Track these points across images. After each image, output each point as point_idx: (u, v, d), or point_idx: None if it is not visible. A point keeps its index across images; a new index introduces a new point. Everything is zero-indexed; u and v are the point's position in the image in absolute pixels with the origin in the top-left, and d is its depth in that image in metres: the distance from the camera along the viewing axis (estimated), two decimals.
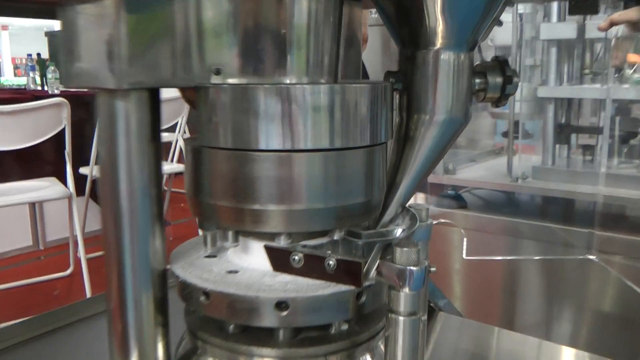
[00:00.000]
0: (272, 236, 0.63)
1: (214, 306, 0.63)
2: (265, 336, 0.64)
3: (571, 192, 1.67)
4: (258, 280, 0.63)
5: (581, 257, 1.58)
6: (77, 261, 3.38)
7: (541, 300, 1.76)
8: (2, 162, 3.38)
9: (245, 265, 0.67)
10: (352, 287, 0.61)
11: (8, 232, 3.82)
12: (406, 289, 0.59)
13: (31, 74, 5.16)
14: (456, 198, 1.90)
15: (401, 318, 0.59)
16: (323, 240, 0.66)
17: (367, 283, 0.61)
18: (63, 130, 3.01)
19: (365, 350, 0.68)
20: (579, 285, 1.67)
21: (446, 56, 0.70)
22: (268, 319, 0.61)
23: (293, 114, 0.59)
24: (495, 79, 0.73)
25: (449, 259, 1.89)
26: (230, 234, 0.66)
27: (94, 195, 3.71)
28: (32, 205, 3.88)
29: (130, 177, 0.63)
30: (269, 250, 0.64)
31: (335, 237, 0.65)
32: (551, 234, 1.66)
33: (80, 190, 3.34)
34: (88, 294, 3.00)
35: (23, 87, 4.79)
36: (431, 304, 0.98)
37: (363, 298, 0.63)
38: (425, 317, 0.67)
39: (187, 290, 0.66)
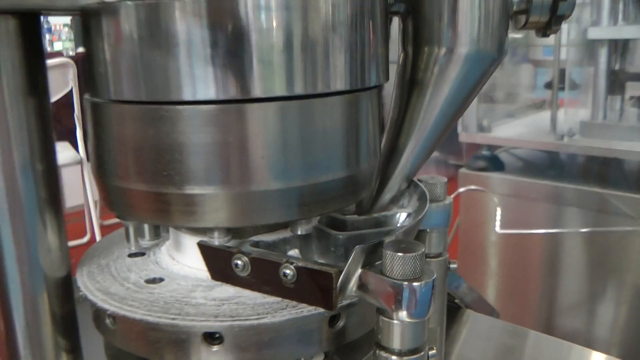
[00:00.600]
0: (207, 230, 0.43)
1: (122, 335, 0.43)
2: None
3: (626, 151, 1.42)
4: (185, 295, 0.42)
5: (635, 228, 1.35)
6: (93, 228, 3.26)
7: (586, 280, 1.53)
8: None
9: (175, 270, 0.46)
10: (321, 310, 0.40)
11: None
12: (403, 314, 0.38)
13: (47, 36, 5.01)
14: (492, 159, 1.66)
15: (396, 359, 0.38)
16: (285, 234, 0.45)
17: (344, 302, 0.40)
18: (71, 93, 2.84)
19: None
20: (633, 262, 1.43)
21: None
22: (196, 357, 0.40)
23: (230, 41, 0.37)
24: None
25: (479, 233, 1.66)
26: (146, 227, 0.46)
27: None
28: None
29: (2, 146, 0.43)
30: (205, 251, 0.43)
31: (301, 232, 0.44)
32: (601, 202, 1.42)
33: None
34: None
35: None
36: (455, 300, 0.77)
37: (341, 322, 0.42)
38: (434, 352, 0.45)
39: (93, 309, 0.46)
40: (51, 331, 0.47)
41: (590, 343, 1.53)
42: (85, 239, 3.41)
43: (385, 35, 0.45)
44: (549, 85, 1.82)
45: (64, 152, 2.92)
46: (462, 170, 1.68)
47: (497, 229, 1.37)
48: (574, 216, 1.50)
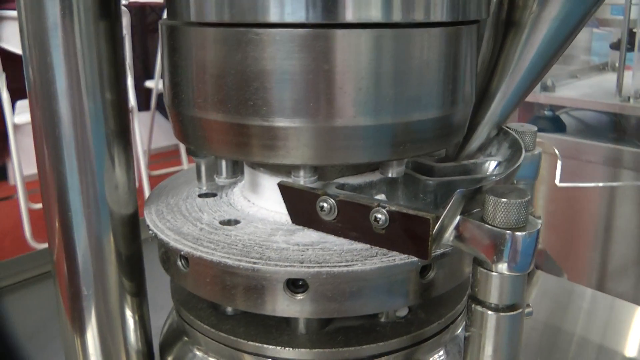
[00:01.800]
0: (291, 169, 0.40)
1: (195, 279, 0.40)
2: (279, 324, 0.42)
3: None
4: (264, 239, 0.40)
5: None
6: (141, 178, 3.29)
7: (638, 232, 1.48)
8: None
9: (252, 212, 0.44)
10: (414, 259, 0.37)
11: None
12: (504, 267, 0.34)
13: None
14: (553, 120, 1.60)
15: (492, 314, 0.35)
16: (372, 177, 0.42)
17: (439, 251, 0.37)
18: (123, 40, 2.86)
19: (435, 347, 0.44)
20: None
21: None
22: (277, 305, 0.38)
23: None
24: None
25: (538, 185, 1.61)
26: (223, 164, 0.43)
27: (161, 109, 3.58)
28: None
29: (69, 72, 0.40)
30: (286, 192, 0.40)
31: (391, 174, 0.41)
32: None
33: (143, 105, 3.21)
34: None
35: None
36: None
37: (431, 274, 0.39)
38: (531, 309, 0.42)
39: (162, 250, 0.44)
40: (116, 272, 0.45)
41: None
42: None
43: None
44: (615, 46, 1.73)
45: None
46: None
47: (557, 182, 1.32)
48: (632, 179, 1.44)
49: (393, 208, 0.36)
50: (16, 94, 2.77)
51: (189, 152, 0.46)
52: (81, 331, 0.46)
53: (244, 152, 0.38)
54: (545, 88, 1.57)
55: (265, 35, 0.35)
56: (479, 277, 0.36)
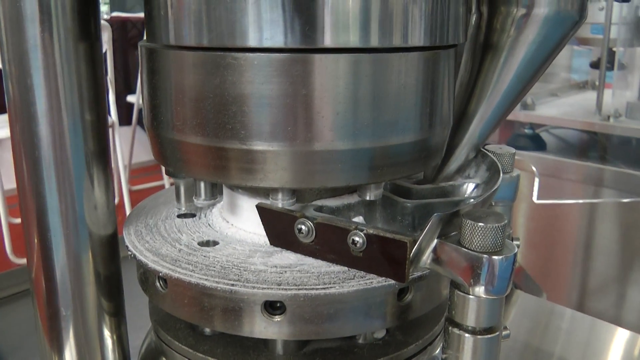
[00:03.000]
0: (270, 191, 0.40)
1: (173, 299, 0.40)
2: (257, 345, 0.42)
3: None
4: (242, 260, 0.40)
5: None
6: (122, 193, 3.27)
7: (618, 255, 1.50)
8: None
9: (230, 233, 0.44)
10: (391, 282, 0.37)
11: None
12: (481, 290, 0.35)
13: None
14: (533, 138, 1.61)
15: (470, 337, 0.36)
16: (350, 199, 0.42)
17: (416, 274, 0.37)
18: (105, 56, 2.84)
19: None
20: None
21: None
22: (254, 327, 0.38)
23: None
24: None
25: (518, 203, 1.63)
26: (202, 185, 0.43)
27: (142, 124, 3.57)
28: None
29: (49, 94, 0.40)
30: (264, 213, 0.40)
31: (370, 197, 0.41)
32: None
33: (124, 120, 3.19)
34: None
35: None
36: None
37: (409, 296, 0.39)
38: (508, 332, 0.42)
39: (141, 271, 0.43)
40: (94, 292, 0.45)
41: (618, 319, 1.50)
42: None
43: None
44: (595, 65, 1.76)
45: None
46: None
47: (535, 199, 1.33)
48: (612, 197, 1.45)
49: (370, 231, 0.36)
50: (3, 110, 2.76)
51: (167, 173, 0.46)
52: (59, 350, 0.46)
53: (222, 174, 0.38)
54: (525, 106, 1.59)
55: (243, 59, 0.35)
56: (456, 300, 0.36)
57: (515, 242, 0.54)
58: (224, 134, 0.36)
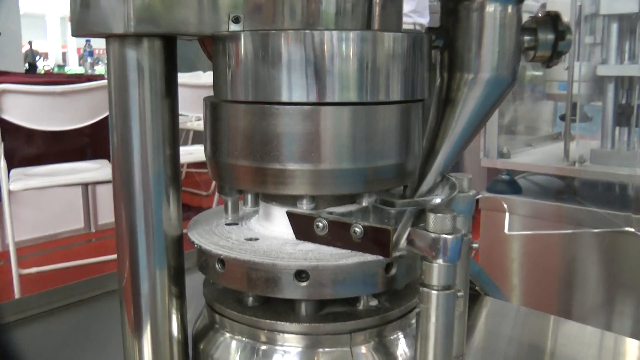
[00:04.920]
0: (295, 200, 0.58)
1: (229, 275, 0.58)
2: (286, 310, 0.59)
3: (632, 175, 1.56)
4: (278, 248, 0.57)
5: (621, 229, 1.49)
6: None
7: (600, 284, 1.67)
8: (55, 143, 3.43)
9: (266, 234, 0.62)
10: (380, 258, 0.55)
11: (61, 214, 3.88)
12: (440, 260, 0.52)
13: (89, 60, 5.22)
14: (510, 183, 1.81)
15: (434, 292, 0.53)
16: (351, 207, 0.60)
17: (397, 253, 0.55)
18: None
19: (397, 328, 0.62)
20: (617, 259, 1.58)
21: (492, 8, 0.63)
22: (287, 290, 0.55)
23: (318, 62, 0.53)
24: (546, 36, 0.65)
25: (499, 249, 1.81)
26: (250, 196, 0.61)
27: None
28: (85, 187, 3.94)
29: (142, 133, 0.58)
30: (292, 217, 0.58)
31: (365, 204, 0.59)
32: (607, 220, 1.56)
33: None
34: None
35: (82, 74, 4.89)
36: (476, 288, 0.91)
37: (393, 270, 0.57)
38: (462, 293, 0.60)
39: (204, 259, 0.61)
40: (166, 279, 0.62)
41: None
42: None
43: (429, 63, 0.61)
44: (563, 117, 1.97)
45: (105, 168, 3.07)
46: (483, 192, 1.82)
47: (506, 230, 1.52)
48: (586, 235, 1.63)
49: (366, 224, 0.54)
50: (12, 162, 2.93)
51: (219, 191, 0.64)
52: (139, 330, 0.62)
53: (265, 187, 0.56)
54: (501, 155, 1.79)
55: (279, 109, 0.54)
56: (424, 268, 0.53)
57: (474, 245, 0.72)
58: (267, 159, 0.54)
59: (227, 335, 0.61)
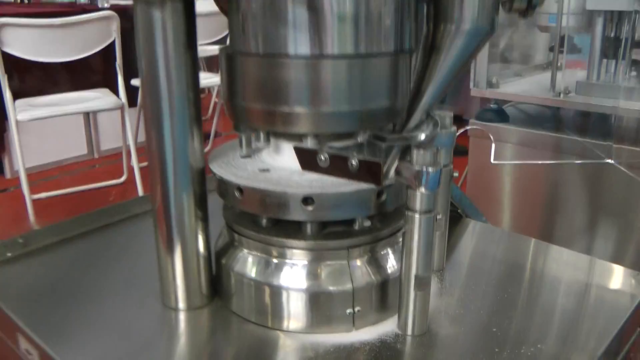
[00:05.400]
0: (301, 137, 0.68)
1: (247, 201, 0.69)
2: (294, 230, 0.70)
3: (614, 107, 1.65)
4: (287, 177, 0.68)
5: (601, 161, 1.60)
6: (130, 169, 3.50)
7: (581, 211, 1.79)
8: (54, 74, 3.48)
9: (276, 165, 0.72)
10: (373, 186, 0.66)
11: (64, 141, 3.98)
12: (422, 189, 0.63)
13: None
14: (498, 112, 1.90)
15: (417, 215, 0.64)
16: (348, 142, 0.70)
17: (386, 182, 0.66)
18: (113, 43, 3.07)
19: (387, 245, 0.73)
20: (598, 189, 1.71)
21: None
22: (295, 213, 0.66)
23: (319, 20, 0.62)
24: None
25: (479, 167, 1.94)
26: (262, 134, 0.71)
27: None
28: (87, 115, 4.02)
29: (169, 81, 0.68)
30: (298, 151, 0.69)
31: (360, 140, 0.70)
32: (588, 152, 1.67)
33: (132, 102, 3.41)
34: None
35: (73, 1, 4.85)
36: (458, 210, 1.03)
37: (383, 196, 0.68)
38: (441, 216, 0.71)
39: (224, 187, 0.72)
40: (192, 204, 0.73)
41: None
42: (122, 179, 3.66)
43: (417, 16, 0.70)
44: (552, 49, 2.04)
45: (105, 97, 3.14)
46: (472, 120, 1.92)
47: (492, 160, 1.63)
48: (568, 168, 1.74)
49: (361, 157, 0.65)
50: (17, 94, 3.00)
51: (235, 128, 0.74)
52: (170, 248, 0.73)
53: (275, 126, 0.66)
54: (490, 85, 1.88)
55: (287, 61, 0.63)
56: (409, 196, 0.64)
57: (454, 175, 0.83)
58: (277, 103, 0.64)
59: (245, 251, 0.73)
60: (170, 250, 0.73)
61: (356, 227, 0.71)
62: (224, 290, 0.76)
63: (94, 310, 0.77)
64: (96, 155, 4.28)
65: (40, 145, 3.75)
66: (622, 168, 1.44)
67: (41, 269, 0.88)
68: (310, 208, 0.66)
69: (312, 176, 0.68)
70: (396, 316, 0.72)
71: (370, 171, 0.65)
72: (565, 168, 1.79)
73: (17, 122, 2.87)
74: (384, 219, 0.73)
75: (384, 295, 0.72)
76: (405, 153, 0.65)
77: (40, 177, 3.73)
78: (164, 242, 0.73)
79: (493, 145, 1.66)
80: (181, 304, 0.75)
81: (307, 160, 0.68)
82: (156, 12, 0.65)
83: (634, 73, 1.86)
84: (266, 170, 0.71)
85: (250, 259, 0.72)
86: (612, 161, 1.49)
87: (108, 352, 0.69)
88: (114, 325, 0.73)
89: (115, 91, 3.22)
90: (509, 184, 1.89)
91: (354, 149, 0.70)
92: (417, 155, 0.63)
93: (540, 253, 0.95)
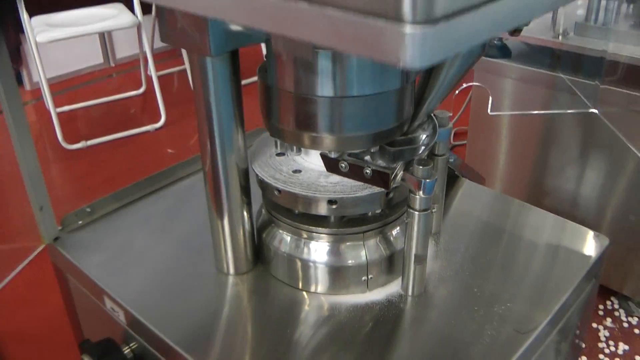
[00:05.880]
0: None
1: (284, 198, 0.88)
2: (320, 219, 0.90)
3: (604, 51, 1.77)
4: (315, 180, 0.87)
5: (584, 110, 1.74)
6: (148, 79, 3.62)
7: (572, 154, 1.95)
8: None
9: (306, 165, 0.91)
10: (382, 189, 0.84)
11: (79, 50, 4.07)
12: (421, 194, 0.82)
13: None
14: (501, 48, 2.02)
15: (417, 213, 0.83)
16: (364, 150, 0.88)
17: (393, 186, 0.84)
18: None
19: (394, 226, 0.93)
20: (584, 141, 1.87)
21: None
22: (322, 210, 0.86)
23: (341, 70, 0.77)
24: None
25: (475, 117, 2.10)
26: (294, 147, 0.89)
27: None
28: None
29: (219, 114, 0.83)
30: (324, 158, 0.86)
31: (373, 150, 0.87)
32: (577, 99, 1.80)
33: (145, 9, 3.46)
34: (162, 114, 3.29)
35: None
36: (455, 172, 1.21)
37: (391, 195, 0.87)
38: (435, 209, 0.90)
39: (264, 185, 0.90)
40: (239, 193, 0.92)
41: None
42: (142, 90, 3.79)
43: None
44: None
45: (121, 14, 3.23)
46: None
47: (489, 111, 1.79)
48: (566, 103, 1.88)
49: (374, 167, 0.83)
50: (31, 11, 3.09)
51: (271, 134, 0.91)
52: (223, 227, 0.93)
53: (305, 145, 0.83)
54: None
55: (315, 99, 0.80)
56: (411, 198, 0.83)
57: (451, 160, 1.01)
58: (307, 129, 0.81)
59: (281, 231, 0.93)
60: (222, 228, 0.93)
61: (370, 214, 0.90)
62: (264, 259, 0.96)
63: (160, 272, 0.98)
64: (112, 64, 4.38)
65: (55, 56, 3.84)
66: (604, 120, 1.59)
67: (110, 234, 1.08)
68: (334, 207, 0.85)
69: (336, 178, 0.87)
70: (400, 278, 0.93)
71: (381, 178, 0.83)
72: (555, 118, 1.93)
73: (37, 43, 2.98)
74: (392, 207, 0.92)
75: (392, 264, 0.93)
76: (409, 164, 0.83)
77: (58, 88, 3.84)
78: (219, 223, 0.92)
79: (490, 98, 1.81)
80: (231, 270, 0.96)
81: (331, 165, 0.86)
82: (208, 62, 0.80)
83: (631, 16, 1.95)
84: (298, 171, 0.89)
85: (285, 237, 0.92)
86: (597, 111, 1.64)
87: (178, 310, 0.90)
88: (178, 287, 0.95)
89: (129, 4, 3.28)
90: (505, 135, 2.06)
91: (368, 153, 0.88)
92: (417, 169, 0.81)
93: (522, 215, 1.14)
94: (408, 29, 0.36)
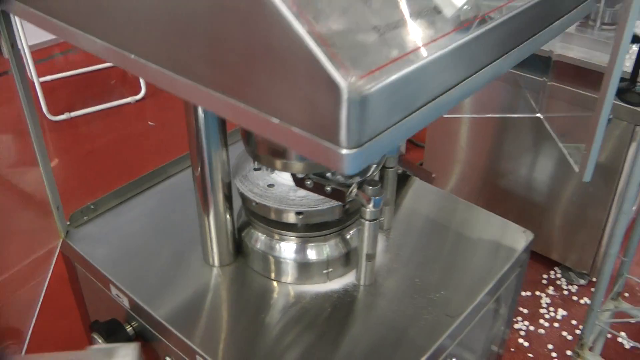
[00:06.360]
0: None
1: (260, 208, 1.07)
2: (290, 225, 1.09)
3: (550, 51, 1.94)
4: (286, 194, 1.06)
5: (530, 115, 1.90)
6: None
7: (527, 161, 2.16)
8: None
9: (279, 180, 1.10)
10: (339, 203, 1.04)
11: None
12: (371, 207, 1.02)
13: None
14: None
15: (367, 222, 1.03)
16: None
17: (349, 200, 1.04)
18: None
19: (350, 229, 1.13)
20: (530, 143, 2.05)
21: None
22: (291, 219, 1.05)
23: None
24: None
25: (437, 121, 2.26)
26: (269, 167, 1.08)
27: None
28: None
29: (210, 154, 1.02)
30: (293, 176, 1.06)
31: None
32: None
33: None
34: (143, 86, 3.41)
35: None
36: (407, 173, 1.41)
37: (347, 206, 1.07)
38: (382, 218, 1.11)
39: (244, 197, 1.09)
40: (223, 200, 1.11)
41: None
42: None
43: None
44: None
45: None
46: None
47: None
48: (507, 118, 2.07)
49: (334, 185, 1.02)
50: None
51: (250, 156, 1.10)
52: (208, 216, 1.12)
53: (278, 168, 1.02)
54: None
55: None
56: (362, 210, 1.03)
57: (399, 172, 1.21)
58: (279, 158, 1.00)
59: (258, 232, 1.12)
60: (209, 227, 1.12)
61: (330, 221, 1.10)
62: (243, 253, 1.16)
63: (155, 263, 1.17)
64: None
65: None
66: (546, 124, 1.78)
67: (112, 229, 1.26)
68: (300, 216, 1.04)
69: (303, 192, 1.06)
70: (355, 271, 1.14)
71: (338, 194, 1.03)
72: (505, 120, 2.12)
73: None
74: (349, 215, 1.12)
75: (348, 260, 1.14)
76: (362, 184, 1.03)
77: (38, 57, 3.87)
78: (206, 223, 1.12)
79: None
80: (216, 262, 1.16)
81: (299, 181, 1.06)
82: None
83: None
84: (272, 185, 1.08)
85: (261, 237, 1.12)
86: (540, 115, 1.83)
87: (171, 295, 1.10)
88: (171, 276, 1.14)
89: None
90: (462, 134, 2.26)
91: (329, 171, 1.07)
92: (367, 189, 1.00)
93: (464, 213, 1.34)
94: (344, 151, 0.55)
